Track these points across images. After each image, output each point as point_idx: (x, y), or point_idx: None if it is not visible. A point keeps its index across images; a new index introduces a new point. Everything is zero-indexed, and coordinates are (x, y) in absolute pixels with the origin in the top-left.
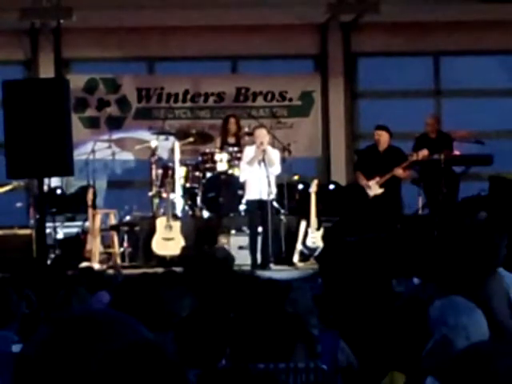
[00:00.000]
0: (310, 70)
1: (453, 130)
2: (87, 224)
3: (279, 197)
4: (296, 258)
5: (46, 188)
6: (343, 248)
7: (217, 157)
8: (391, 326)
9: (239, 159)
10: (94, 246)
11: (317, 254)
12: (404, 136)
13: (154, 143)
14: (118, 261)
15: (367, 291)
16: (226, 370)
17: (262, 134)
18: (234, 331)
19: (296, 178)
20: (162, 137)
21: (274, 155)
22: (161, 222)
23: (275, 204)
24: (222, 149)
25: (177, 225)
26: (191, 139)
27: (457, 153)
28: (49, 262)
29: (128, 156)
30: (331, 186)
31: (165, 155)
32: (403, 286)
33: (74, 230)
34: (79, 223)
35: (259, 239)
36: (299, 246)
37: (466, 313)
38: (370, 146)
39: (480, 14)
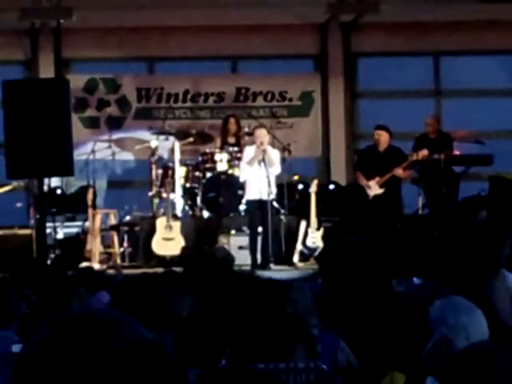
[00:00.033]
0: (310, 69)
1: (453, 130)
2: (87, 224)
3: (279, 197)
4: (296, 258)
5: (46, 188)
6: (343, 248)
7: (217, 157)
8: (391, 326)
9: (239, 159)
10: (94, 246)
11: (317, 254)
12: (404, 136)
13: (154, 143)
14: (118, 261)
15: (367, 291)
16: (226, 369)
17: (262, 134)
18: (233, 331)
19: (296, 177)
20: (162, 137)
21: (274, 155)
22: (161, 222)
23: (275, 204)
24: (222, 149)
25: (177, 225)
26: (191, 139)
27: (457, 153)
28: (49, 262)
29: (128, 156)
30: (331, 186)
31: (165, 155)
32: (403, 286)
33: (74, 230)
34: (79, 223)
35: (259, 239)
36: (299, 246)
37: (466, 313)
38: (370, 146)
39: (480, 13)
